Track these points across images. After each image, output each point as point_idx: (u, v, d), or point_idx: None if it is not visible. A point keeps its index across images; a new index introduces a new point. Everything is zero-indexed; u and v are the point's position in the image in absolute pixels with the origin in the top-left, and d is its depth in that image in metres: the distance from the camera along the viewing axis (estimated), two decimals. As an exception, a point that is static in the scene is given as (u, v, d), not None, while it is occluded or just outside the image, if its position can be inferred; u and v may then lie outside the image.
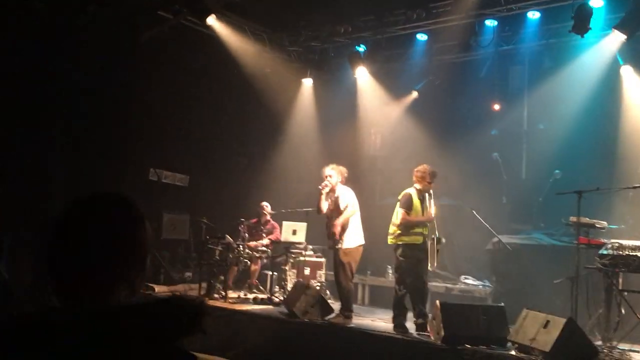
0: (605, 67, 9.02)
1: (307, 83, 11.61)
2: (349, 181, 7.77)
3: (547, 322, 5.56)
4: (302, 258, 9.12)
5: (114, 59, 9.01)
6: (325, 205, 7.63)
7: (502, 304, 6.77)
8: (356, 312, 7.73)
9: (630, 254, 5.93)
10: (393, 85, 11.34)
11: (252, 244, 9.23)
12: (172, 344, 1.24)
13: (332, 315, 7.35)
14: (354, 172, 7.97)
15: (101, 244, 1.35)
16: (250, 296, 8.89)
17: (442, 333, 6.01)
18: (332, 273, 7.87)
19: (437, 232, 7.28)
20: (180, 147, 10.70)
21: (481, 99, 10.65)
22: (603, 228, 6.81)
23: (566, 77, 9.36)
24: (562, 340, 5.27)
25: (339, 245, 7.36)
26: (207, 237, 9.08)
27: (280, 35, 10.86)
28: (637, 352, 5.94)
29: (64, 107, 8.89)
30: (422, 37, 10.07)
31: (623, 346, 5.79)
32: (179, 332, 1.23)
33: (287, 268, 9.04)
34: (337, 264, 7.47)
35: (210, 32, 9.63)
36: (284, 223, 9.39)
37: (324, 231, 7.77)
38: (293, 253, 9.11)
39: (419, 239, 7.11)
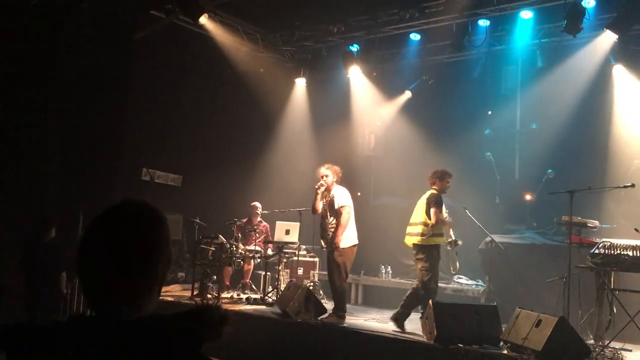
0: (598, 67, 9.06)
1: (301, 83, 11.60)
2: (342, 181, 7.77)
3: (539, 321, 5.57)
4: (295, 258, 9.11)
5: (107, 58, 8.98)
6: (320, 205, 7.63)
7: (495, 303, 6.79)
8: (349, 311, 7.73)
9: (622, 253, 5.96)
10: (386, 85, 11.35)
11: (245, 247, 9.20)
12: (196, 351, 1.25)
13: (326, 315, 7.34)
14: (348, 172, 7.97)
15: (138, 248, 1.35)
16: (244, 296, 8.87)
17: (435, 332, 6.01)
18: (325, 273, 7.86)
19: (452, 235, 7.33)
20: (173, 147, 10.68)
21: (474, 99, 10.67)
22: (595, 227, 6.84)
23: (559, 77, 9.39)
24: (554, 339, 5.28)
25: (334, 247, 7.36)
26: (200, 237, 9.06)
27: (273, 34, 10.86)
28: (629, 350, 5.97)
29: (57, 106, 8.86)
30: (415, 36, 10.09)
31: (615, 345, 5.81)
32: (203, 340, 1.25)
33: (280, 268, 9.03)
34: (331, 263, 7.46)
35: (203, 31, 9.61)
36: (277, 223, 9.38)
37: (318, 231, 7.77)
38: (286, 253, 9.10)
39: (443, 240, 7.24)
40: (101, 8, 8.64)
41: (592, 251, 6.24)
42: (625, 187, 6.48)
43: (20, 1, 8.22)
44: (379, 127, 11.98)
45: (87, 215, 7.09)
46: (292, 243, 9.02)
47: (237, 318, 7.57)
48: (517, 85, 10.54)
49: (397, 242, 11.07)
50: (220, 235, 8.96)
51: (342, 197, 7.49)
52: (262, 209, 9.84)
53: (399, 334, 6.72)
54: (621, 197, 8.10)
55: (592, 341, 5.92)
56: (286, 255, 9.12)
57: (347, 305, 7.68)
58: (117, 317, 1.27)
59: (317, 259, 9.74)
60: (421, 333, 6.52)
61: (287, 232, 9.14)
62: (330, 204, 7.53)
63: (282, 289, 8.45)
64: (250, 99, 11.18)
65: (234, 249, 8.87)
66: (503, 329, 6.10)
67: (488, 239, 8.42)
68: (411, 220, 7.47)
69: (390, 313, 7.23)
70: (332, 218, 7.51)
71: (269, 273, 9.07)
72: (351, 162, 10.81)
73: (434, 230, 7.14)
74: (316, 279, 9.59)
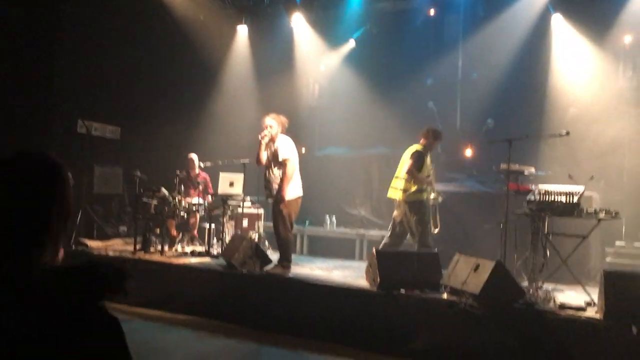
0: (537, 16, 9.19)
1: (242, 30, 11.26)
2: (287, 132, 7.66)
3: (478, 265, 5.76)
4: (240, 210, 9.05)
5: (35, 3, 8.41)
6: (264, 156, 7.52)
7: (436, 250, 6.97)
8: (295, 262, 7.78)
9: (556, 199, 6.19)
10: (330, 34, 11.17)
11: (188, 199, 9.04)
12: (94, 305, 1.22)
13: (271, 265, 7.36)
14: (292, 123, 7.85)
15: (19, 202, 1.29)
16: (188, 249, 8.79)
17: (378, 280, 6.14)
18: (270, 224, 7.84)
19: (433, 193, 7.42)
20: (109, 98, 10.21)
21: (417, 48, 10.65)
22: (531, 175, 7.05)
23: (499, 26, 9.47)
24: (491, 282, 5.48)
25: (279, 199, 7.32)
26: (142, 190, 8.83)
27: (213, -21, 10.43)
28: (561, 291, 6.29)
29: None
30: (358, -17, 9.91)
31: (548, 286, 6.10)
32: (101, 295, 1.22)
33: (225, 220, 8.95)
34: (276, 215, 7.44)
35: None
36: (221, 174, 9.23)
37: (262, 182, 7.69)
38: (230, 205, 9.01)
39: (424, 196, 7.32)
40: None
41: (527, 198, 6.46)
42: (561, 135, 6.66)
43: None
44: (323, 76, 11.84)
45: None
46: (237, 195, 8.92)
47: (182, 271, 7.52)
48: (460, 35, 10.59)
49: (342, 192, 11.21)
50: (162, 188, 8.77)
51: (286, 148, 7.39)
52: (205, 161, 9.63)
53: (343, 283, 6.83)
54: (557, 144, 8.39)
55: (526, 283, 6.19)
56: (230, 207, 9.03)
57: (293, 256, 7.73)
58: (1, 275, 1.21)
59: (262, 211, 9.71)
60: (365, 281, 6.66)
61: (231, 184, 9.02)
62: (274, 155, 7.43)
63: (227, 241, 8.41)
64: (191, 47, 10.77)
65: (177, 201, 8.72)
66: (444, 274, 6.29)
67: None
68: (396, 174, 7.55)
69: (335, 262, 7.32)
70: (276, 169, 7.43)
71: (213, 225, 8.98)
72: (296, 112, 10.69)
73: (418, 185, 7.24)
74: (261, 230, 9.58)
